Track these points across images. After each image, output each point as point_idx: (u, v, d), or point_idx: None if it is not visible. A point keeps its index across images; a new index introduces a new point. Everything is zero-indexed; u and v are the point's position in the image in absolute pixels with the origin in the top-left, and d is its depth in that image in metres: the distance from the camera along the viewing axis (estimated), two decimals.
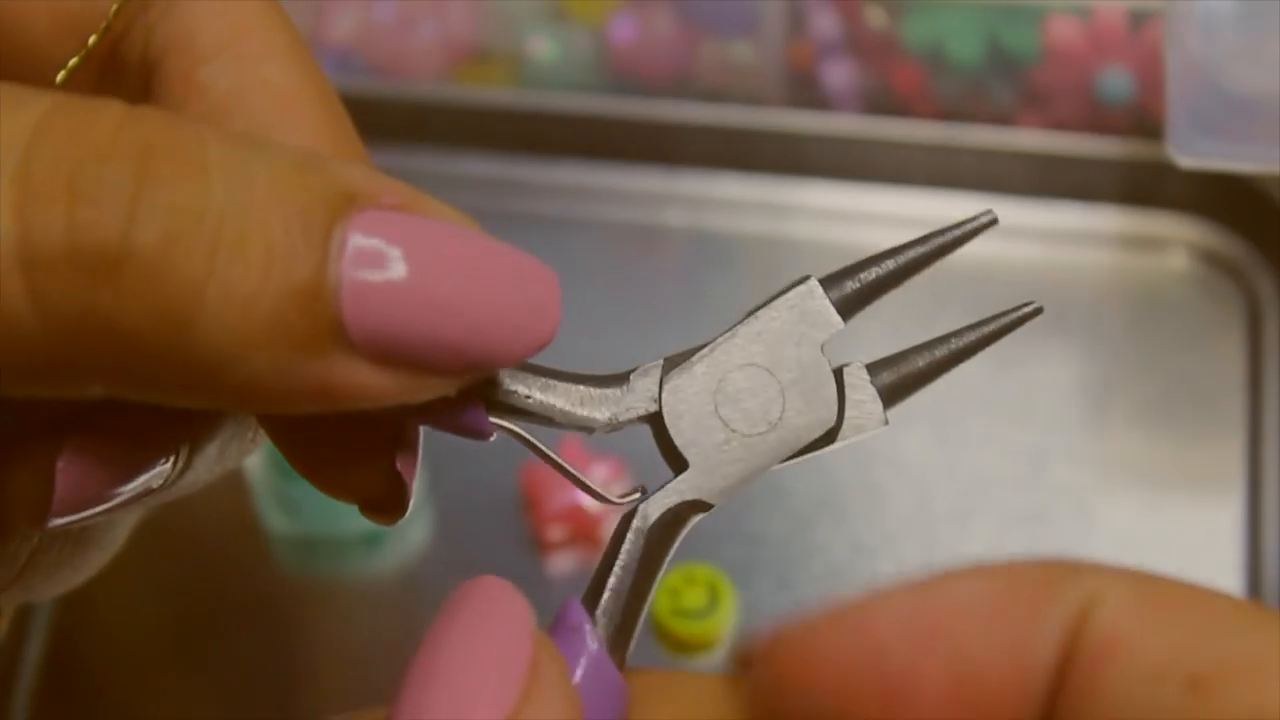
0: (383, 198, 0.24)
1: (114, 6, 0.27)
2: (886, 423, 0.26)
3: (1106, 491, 0.52)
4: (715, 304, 0.57)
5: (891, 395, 0.27)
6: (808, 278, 0.27)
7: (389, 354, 0.24)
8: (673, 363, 0.27)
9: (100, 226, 0.22)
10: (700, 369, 0.27)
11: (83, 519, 0.26)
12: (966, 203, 0.58)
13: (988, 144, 0.58)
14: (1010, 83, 0.57)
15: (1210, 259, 0.57)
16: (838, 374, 0.26)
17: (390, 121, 0.60)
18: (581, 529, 0.52)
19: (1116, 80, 0.57)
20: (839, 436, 0.26)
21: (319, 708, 0.50)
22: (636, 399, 0.26)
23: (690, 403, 0.26)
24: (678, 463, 0.26)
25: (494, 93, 0.60)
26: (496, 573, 0.55)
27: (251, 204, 0.23)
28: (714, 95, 0.59)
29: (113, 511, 0.27)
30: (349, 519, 0.51)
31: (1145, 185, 0.57)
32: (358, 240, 0.23)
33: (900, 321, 0.56)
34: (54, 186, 0.22)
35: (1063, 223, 0.58)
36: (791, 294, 0.27)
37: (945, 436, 0.53)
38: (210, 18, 0.27)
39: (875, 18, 0.58)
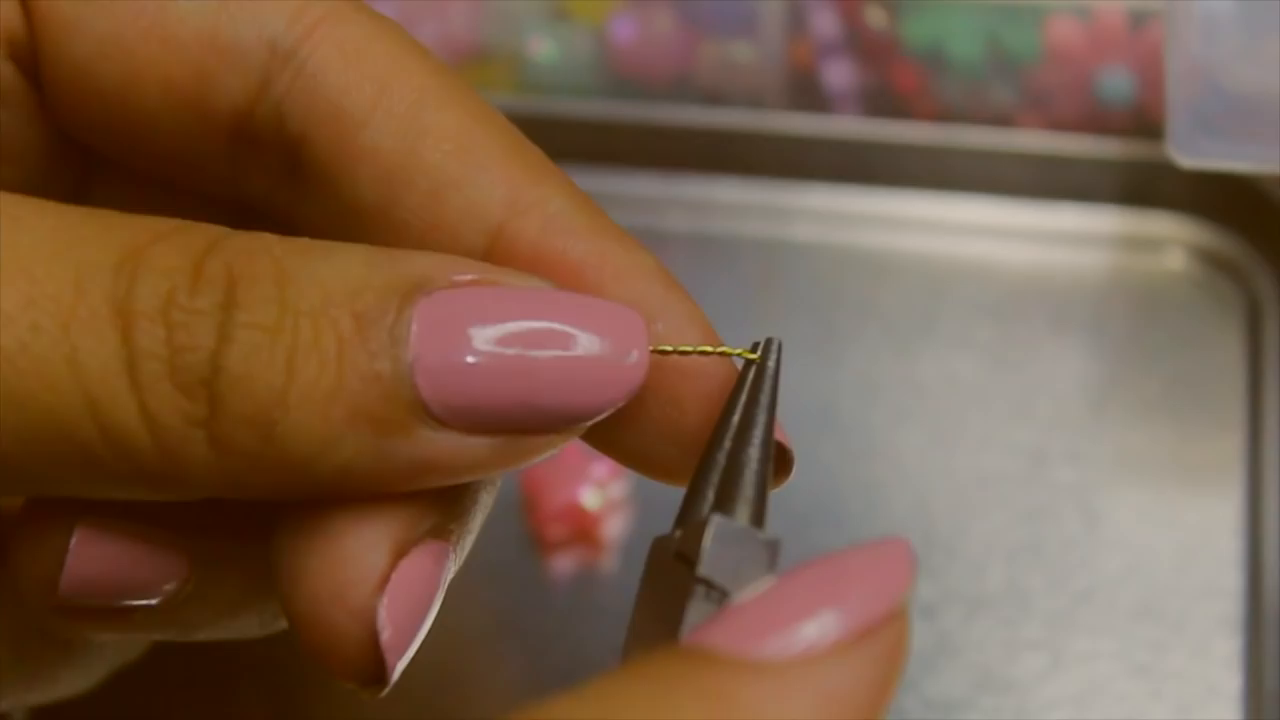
0: (454, 278, 0.25)
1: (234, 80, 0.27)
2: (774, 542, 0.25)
3: (1107, 490, 0.52)
4: (717, 307, 0.57)
5: (757, 519, 0.26)
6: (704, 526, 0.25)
7: (475, 421, 0.25)
8: None
9: (194, 352, 0.24)
10: None
11: (90, 620, 0.27)
12: (966, 203, 0.58)
13: (988, 144, 0.58)
14: (1010, 83, 0.58)
15: (1210, 259, 0.57)
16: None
17: None
18: (581, 529, 0.52)
19: (1116, 80, 0.57)
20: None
21: (328, 705, 0.50)
22: None
23: None
24: None
25: (493, 98, 0.60)
26: (496, 572, 0.55)
27: (323, 306, 0.24)
28: (714, 95, 0.59)
29: (117, 621, 0.27)
30: None
31: (1145, 185, 0.57)
32: (428, 321, 0.24)
33: (900, 321, 0.56)
34: (154, 315, 0.24)
35: (1062, 223, 0.58)
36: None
37: (944, 436, 0.53)
38: (351, 78, 0.27)
39: (875, 18, 0.58)
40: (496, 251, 0.26)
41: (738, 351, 0.26)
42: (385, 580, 0.25)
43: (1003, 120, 0.58)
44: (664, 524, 0.52)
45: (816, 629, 0.22)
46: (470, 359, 0.24)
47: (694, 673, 0.22)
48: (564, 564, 0.52)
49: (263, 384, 0.24)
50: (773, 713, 0.22)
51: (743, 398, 0.26)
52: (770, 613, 0.23)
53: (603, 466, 0.52)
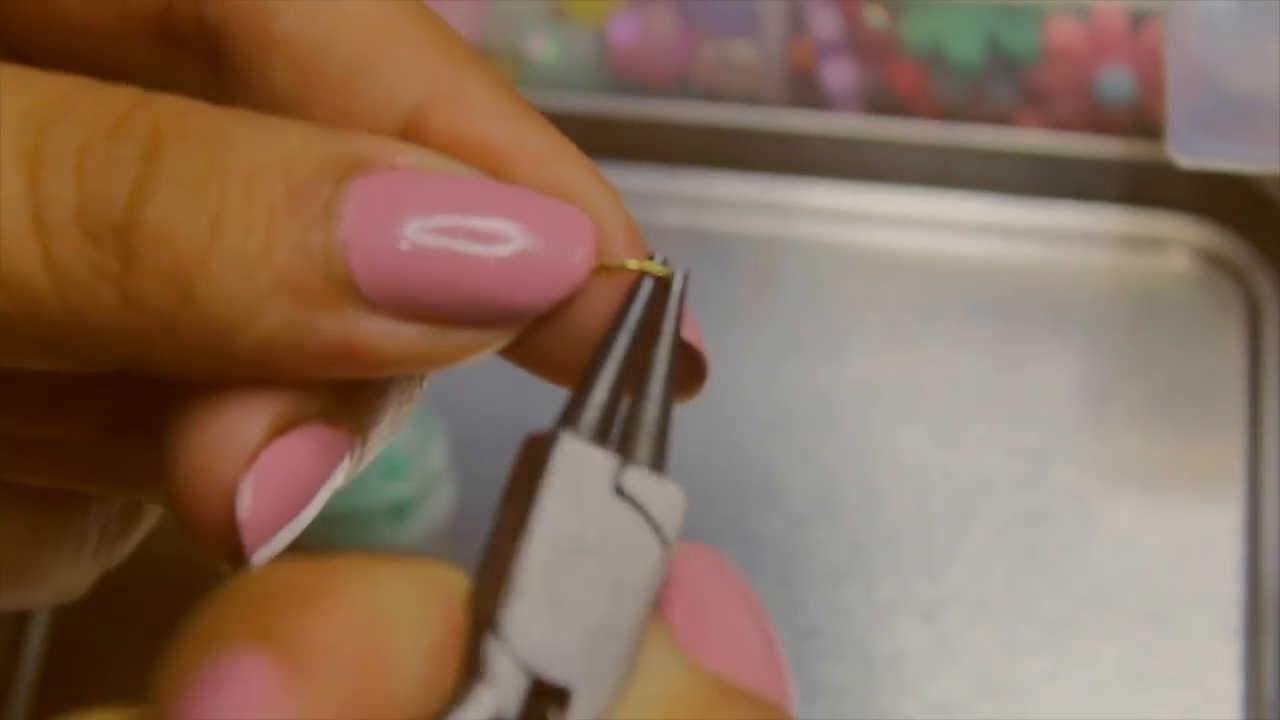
0: (395, 160, 0.24)
1: None
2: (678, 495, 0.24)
3: (1106, 492, 0.52)
4: (714, 304, 0.57)
5: (657, 460, 0.24)
6: (556, 437, 0.23)
7: (406, 308, 0.24)
8: (496, 611, 0.22)
9: (108, 202, 0.23)
10: (527, 601, 0.22)
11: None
12: (966, 203, 0.58)
13: (987, 144, 0.58)
14: (1010, 83, 0.57)
15: (1210, 259, 0.57)
16: (623, 496, 0.23)
17: None
18: None
19: (1116, 80, 0.57)
20: (669, 543, 0.23)
21: None
22: (507, 684, 0.22)
23: (545, 635, 0.22)
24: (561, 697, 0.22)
25: None
26: None
27: (255, 171, 0.23)
28: (714, 95, 0.59)
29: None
30: (376, 490, 0.52)
31: (1145, 185, 0.57)
32: (365, 200, 0.23)
33: (899, 321, 0.56)
34: (65, 161, 0.23)
35: (1062, 223, 0.58)
36: (555, 464, 0.23)
37: (944, 437, 0.53)
38: None
39: (875, 18, 0.58)
40: (411, 138, 0.25)
41: (659, 270, 0.25)
42: (253, 456, 0.24)
43: (1002, 120, 0.58)
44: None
45: None
46: (405, 244, 0.23)
47: None
48: None
49: (184, 240, 0.23)
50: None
51: (634, 315, 0.25)
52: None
53: None
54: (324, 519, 0.52)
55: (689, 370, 0.26)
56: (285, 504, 0.25)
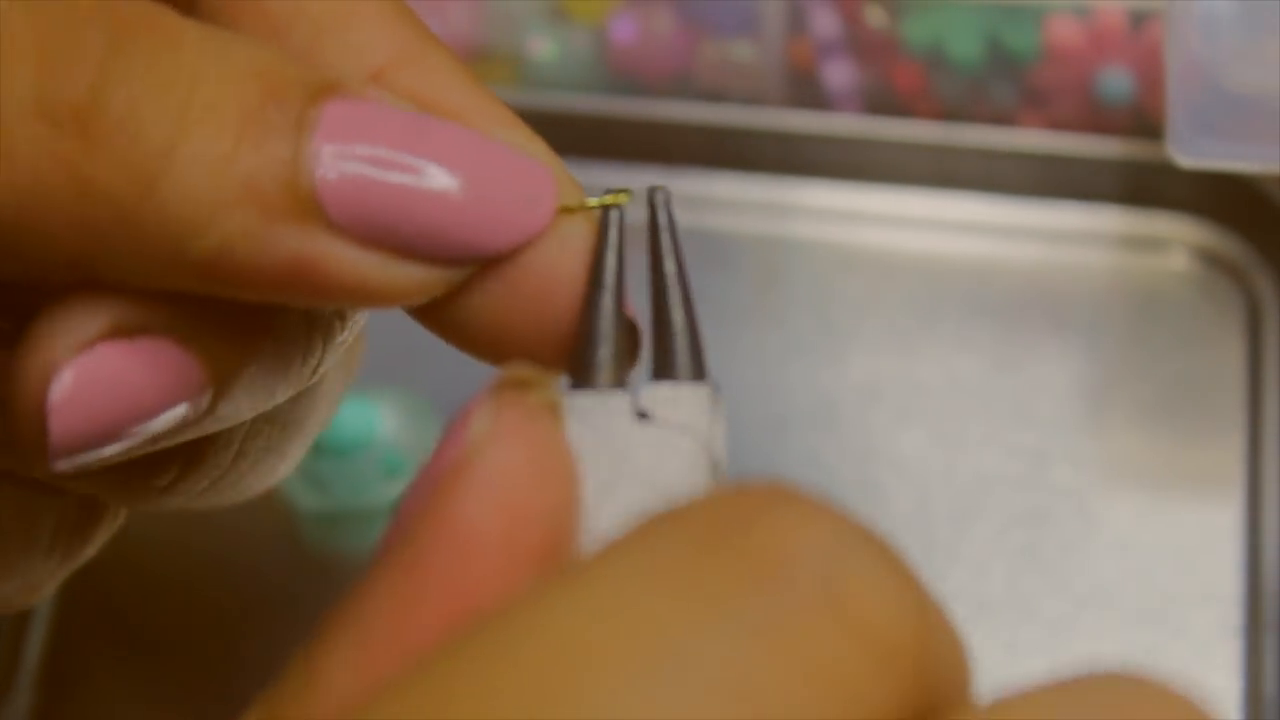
0: (368, 92, 0.24)
1: None
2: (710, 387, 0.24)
3: (1106, 492, 0.52)
4: (713, 304, 0.57)
5: (696, 368, 0.24)
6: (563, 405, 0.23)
7: (369, 234, 0.23)
8: None
9: (69, 84, 0.22)
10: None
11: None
12: (966, 203, 0.58)
13: (987, 144, 0.58)
14: (1010, 82, 0.57)
15: (1210, 259, 0.57)
16: (644, 419, 0.23)
17: None
18: None
19: (1117, 80, 0.57)
20: (708, 437, 0.23)
21: None
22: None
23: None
24: None
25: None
26: None
27: (228, 75, 0.23)
28: (714, 94, 0.59)
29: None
30: (376, 490, 0.52)
31: (1145, 185, 0.57)
32: (337, 118, 0.23)
33: (900, 321, 0.56)
34: (24, 46, 0.22)
35: (1062, 222, 0.58)
36: (571, 429, 0.22)
37: (944, 437, 0.53)
38: None
39: (875, 17, 0.58)
40: None
41: (623, 198, 0.26)
42: (84, 346, 0.23)
43: (1002, 119, 0.58)
44: None
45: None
46: (374, 170, 0.23)
47: None
48: None
49: (149, 130, 0.22)
50: None
51: (611, 248, 0.25)
52: None
53: None
54: (324, 518, 0.52)
55: (629, 341, 0.26)
56: (107, 410, 0.24)
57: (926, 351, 0.55)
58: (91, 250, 0.22)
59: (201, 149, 0.22)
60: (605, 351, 0.24)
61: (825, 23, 0.58)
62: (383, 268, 0.24)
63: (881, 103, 0.59)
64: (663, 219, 0.26)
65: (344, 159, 0.23)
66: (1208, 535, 0.51)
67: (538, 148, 0.26)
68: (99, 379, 0.23)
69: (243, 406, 0.26)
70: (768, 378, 0.55)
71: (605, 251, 0.25)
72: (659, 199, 0.26)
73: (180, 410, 0.24)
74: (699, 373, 0.24)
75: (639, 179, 0.60)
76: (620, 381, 0.24)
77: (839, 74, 0.58)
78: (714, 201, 0.60)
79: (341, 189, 0.23)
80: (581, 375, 0.24)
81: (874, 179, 0.59)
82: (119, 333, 0.23)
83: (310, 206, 0.23)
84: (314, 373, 0.27)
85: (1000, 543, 0.51)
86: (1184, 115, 0.51)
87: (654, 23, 0.59)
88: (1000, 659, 0.49)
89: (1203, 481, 0.52)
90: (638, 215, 0.27)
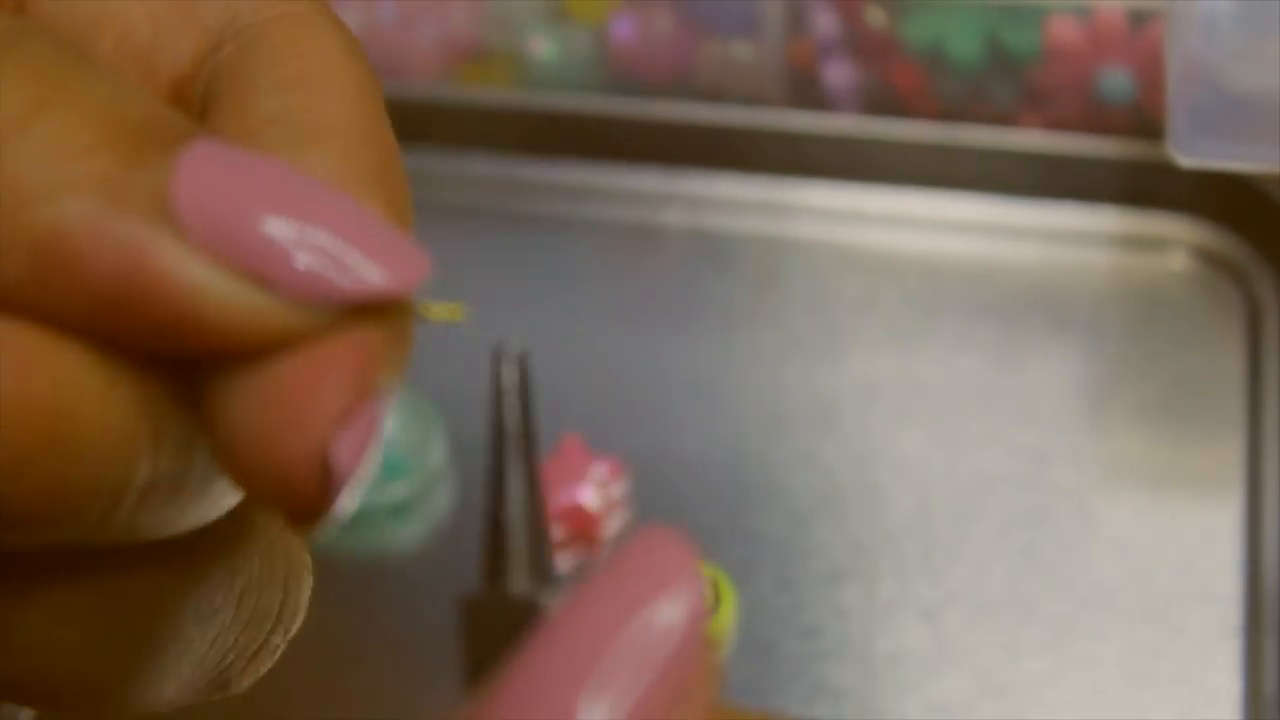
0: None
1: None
2: None
3: (1106, 492, 0.52)
4: (714, 304, 0.57)
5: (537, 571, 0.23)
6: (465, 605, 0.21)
7: (221, 245, 0.22)
8: None
9: None
10: None
11: None
12: (966, 203, 0.58)
13: (988, 144, 0.58)
14: (1010, 82, 0.57)
15: (1210, 259, 0.57)
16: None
17: (391, 121, 0.60)
18: (582, 529, 0.52)
19: (1117, 80, 0.57)
20: None
21: (347, 683, 0.50)
22: None
23: None
24: None
25: (493, 93, 0.60)
26: None
27: (92, 70, 0.22)
28: (714, 94, 0.59)
29: None
30: (376, 490, 0.52)
31: (1145, 185, 0.57)
32: (202, 146, 0.22)
33: (900, 321, 0.56)
34: None
35: (1062, 223, 0.58)
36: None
37: (945, 437, 0.53)
38: (277, 72, 0.24)
39: (875, 17, 0.58)
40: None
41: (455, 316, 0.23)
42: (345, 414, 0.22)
43: (1003, 119, 0.58)
44: (651, 520, 0.52)
45: None
46: (241, 180, 0.22)
47: None
48: (563, 564, 0.52)
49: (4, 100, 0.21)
50: None
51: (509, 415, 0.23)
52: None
53: (603, 466, 0.52)
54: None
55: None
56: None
57: (926, 351, 0.55)
58: None
59: (58, 125, 0.21)
60: (519, 549, 0.23)
61: (825, 23, 0.58)
62: (238, 292, 0.22)
63: (881, 103, 0.59)
64: (507, 379, 0.23)
65: (209, 173, 0.22)
66: (1207, 535, 0.51)
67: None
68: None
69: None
70: (767, 378, 0.55)
71: (502, 410, 0.23)
72: (506, 358, 0.23)
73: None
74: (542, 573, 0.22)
75: (639, 180, 0.60)
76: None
77: (839, 74, 0.59)
78: (713, 202, 0.60)
79: (197, 187, 0.21)
80: (495, 577, 0.22)
81: (874, 179, 0.59)
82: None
83: (159, 197, 0.21)
84: None
85: (1000, 543, 0.51)
86: (1184, 115, 0.51)
87: (654, 23, 0.59)
88: (1000, 659, 0.49)
89: (1203, 481, 0.52)
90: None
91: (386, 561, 0.53)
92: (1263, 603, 0.49)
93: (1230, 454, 0.52)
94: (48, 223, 0.21)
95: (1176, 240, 0.57)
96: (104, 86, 0.22)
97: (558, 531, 0.52)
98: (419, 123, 0.60)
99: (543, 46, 0.59)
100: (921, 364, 0.55)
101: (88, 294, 0.22)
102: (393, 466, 0.52)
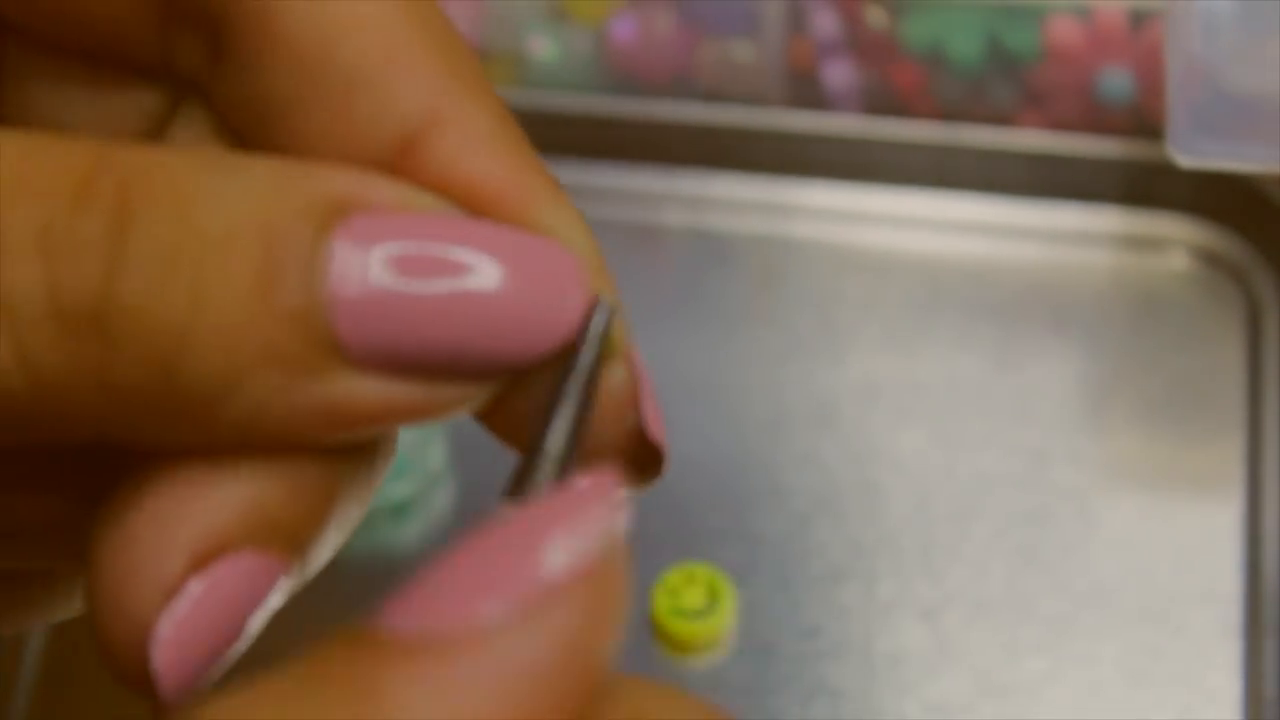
0: (371, 199, 0.23)
1: None
2: None
3: (1106, 492, 0.52)
4: (714, 304, 0.57)
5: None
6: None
7: (392, 364, 0.23)
8: None
9: (78, 282, 0.21)
10: None
11: None
12: (966, 202, 0.58)
13: (988, 144, 0.58)
14: (1010, 82, 0.57)
15: (1210, 259, 0.57)
16: None
17: None
18: None
19: (1117, 80, 0.57)
20: None
21: None
22: None
23: None
24: None
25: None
26: None
27: (229, 233, 0.22)
28: (714, 94, 0.59)
29: None
30: (379, 490, 0.52)
31: (1145, 185, 0.57)
32: (345, 252, 0.22)
33: (899, 321, 0.56)
34: (25, 243, 0.21)
35: (1062, 222, 0.58)
36: None
37: (945, 437, 0.53)
38: None
39: (875, 17, 0.58)
40: (407, 164, 0.24)
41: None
42: (171, 591, 0.22)
43: (1003, 119, 0.58)
44: (650, 520, 0.52)
45: (494, 601, 0.19)
46: (393, 294, 0.22)
47: (348, 661, 0.19)
48: None
49: (162, 318, 0.21)
50: (425, 711, 0.19)
51: (587, 358, 0.24)
52: (442, 583, 0.20)
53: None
54: None
55: (648, 460, 0.25)
56: (209, 642, 0.23)
57: (926, 352, 0.55)
58: (119, 427, 0.22)
59: (216, 325, 0.22)
60: (545, 473, 0.23)
61: (825, 23, 0.58)
62: (413, 393, 0.23)
63: (881, 103, 0.59)
64: (595, 327, 0.24)
65: (357, 293, 0.22)
66: (1207, 535, 0.51)
67: (574, 229, 0.24)
68: (195, 623, 0.23)
69: (319, 562, 0.25)
70: (766, 378, 0.55)
71: (580, 358, 0.23)
72: (602, 310, 0.24)
73: (276, 600, 0.24)
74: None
75: (639, 180, 0.60)
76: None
77: (839, 74, 0.59)
78: (713, 202, 0.60)
79: (360, 327, 0.22)
80: (522, 485, 0.23)
81: (874, 179, 0.59)
82: (200, 563, 0.23)
83: (332, 350, 0.22)
84: (383, 470, 0.27)
85: (1000, 543, 0.51)
86: (1184, 115, 0.51)
87: (654, 22, 0.59)
88: (1000, 659, 0.49)
89: (1202, 481, 0.52)
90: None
91: (386, 562, 0.53)
92: (1263, 602, 0.49)
93: (1230, 453, 0.52)
94: (240, 414, 0.22)
95: (1176, 240, 0.57)
96: (230, 220, 0.22)
97: None
98: None
99: (543, 46, 0.59)
100: (921, 364, 0.55)
101: (287, 439, 0.23)
102: (395, 466, 0.52)
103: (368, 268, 0.22)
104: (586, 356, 0.23)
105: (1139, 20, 0.56)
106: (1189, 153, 0.51)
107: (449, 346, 0.23)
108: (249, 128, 0.25)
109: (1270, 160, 0.51)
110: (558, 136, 0.60)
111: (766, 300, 0.57)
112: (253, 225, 0.22)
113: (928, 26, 0.57)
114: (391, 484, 0.52)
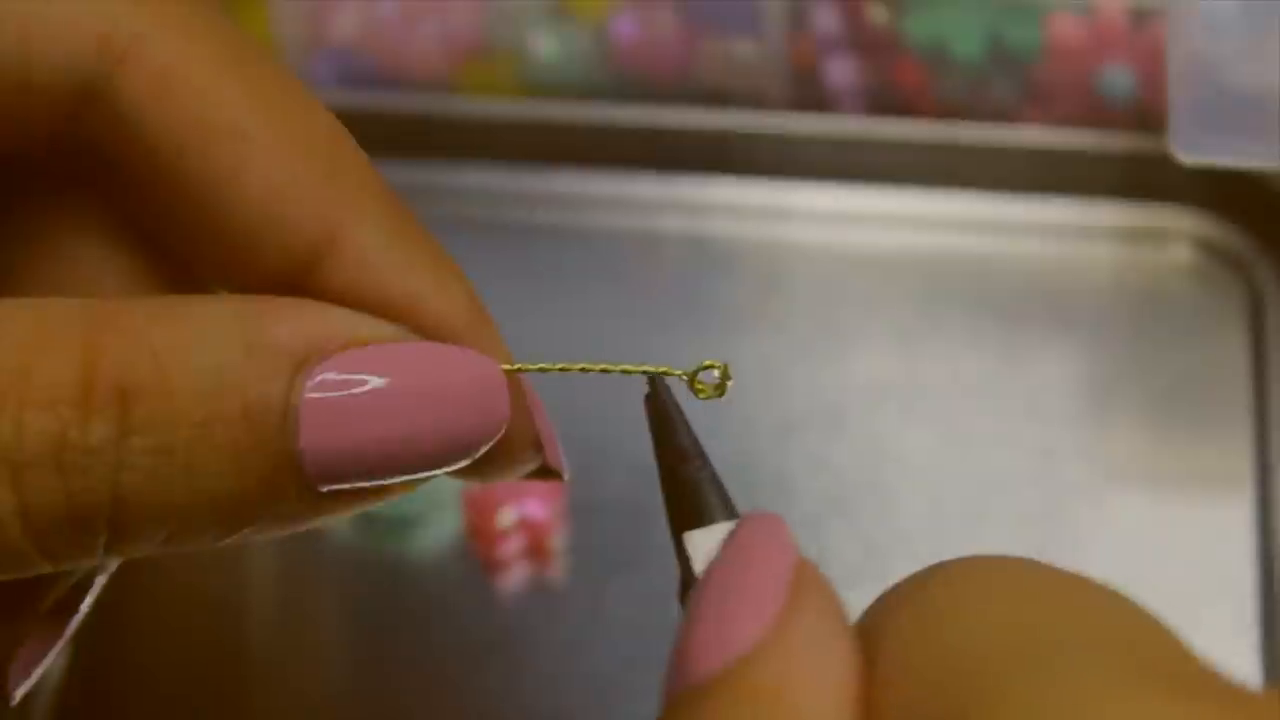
0: (328, 346, 0.26)
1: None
2: None
3: (1116, 488, 0.52)
4: (715, 309, 0.57)
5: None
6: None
7: (357, 480, 0.27)
8: None
9: (93, 491, 0.25)
10: None
11: None
12: (968, 201, 0.58)
13: (990, 141, 0.58)
14: (1012, 80, 0.57)
15: (1213, 252, 0.57)
16: None
17: (390, 135, 0.59)
18: (532, 542, 0.52)
19: (1118, 77, 0.57)
20: None
21: (351, 685, 0.49)
22: None
23: None
24: None
25: (491, 104, 0.60)
26: (449, 600, 0.54)
27: (212, 413, 0.25)
28: (715, 93, 0.59)
29: None
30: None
31: (1148, 179, 0.57)
32: (312, 407, 0.26)
33: (904, 320, 0.56)
34: (46, 462, 0.24)
35: (1065, 219, 0.58)
36: None
37: (954, 435, 0.53)
38: (162, 118, 0.27)
39: (877, 15, 0.58)
40: (313, 286, 0.27)
41: (638, 368, 0.29)
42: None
43: (1005, 117, 0.58)
44: (614, 528, 0.51)
45: (739, 632, 0.23)
46: (353, 434, 0.26)
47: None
48: (516, 578, 0.51)
49: (164, 503, 0.25)
50: None
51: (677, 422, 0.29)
52: (693, 634, 0.23)
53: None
54: (355, 524, 0.52)
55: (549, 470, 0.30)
56: None
57: (931, 351, 0.55)
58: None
59: (211, 494, 0.25)
60: (714, 499, 0.28)
61: (827, 20, 0.58)
62: (369, 495, 0.27)
63: (883, 100, 0.59)
64: (668, 400, 0.29)
65: (326, 439, 0.26)
66: (1220, 529, 0.51)
67: (486, 334, 0.28)
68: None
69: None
70: (772, 381, 0.55)
71: (676, 426, 0.29)
72: (660, 385, 0.30)
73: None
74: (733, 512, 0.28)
75: (639, 185, 0.60)
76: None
77: (841, 72, 0.58)
78: (715, 206, 0.60)
79: (327, 466, 0.26)
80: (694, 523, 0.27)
81: (875, 179, 0.59)
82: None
83: (304, 484, 0.26)
84: None
85: (1012, 541, 0.51)
86: (1185, 112, 0.51)
87: (655, 21, 0.58)
88: None
89: (1212, 475, 0.52)
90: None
91: (395, 572, 0.53)
92: (1278, 595, 0.49)
93: (1238, 445, 0.52)
94: (229, 539, 0.26)
95: (1179, 233, 0.57)
96: (214, 405, 0.26)
97: (507, 548, 0.51)
98: (417, 136, 0.60)
99: (544, 45, 0.59)
100: (927, 363, 0.55)
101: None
102: None
103: (332, 417, 0.26)
104: (670, 423, 0.29)
105: (1140, 17, 0.56)
106: (1190, 150, 0.51)
107: (402, 466, 0.27)
108: (155, 235, 0.28)
109: (1271, 158, 0.52)
110: (558, 142, 0.60)
111: (769, 304, 0.57)
112: (230, 391, 0.25)
113: (929, 24, 0.57)
114: (402, 499, 0.52)
